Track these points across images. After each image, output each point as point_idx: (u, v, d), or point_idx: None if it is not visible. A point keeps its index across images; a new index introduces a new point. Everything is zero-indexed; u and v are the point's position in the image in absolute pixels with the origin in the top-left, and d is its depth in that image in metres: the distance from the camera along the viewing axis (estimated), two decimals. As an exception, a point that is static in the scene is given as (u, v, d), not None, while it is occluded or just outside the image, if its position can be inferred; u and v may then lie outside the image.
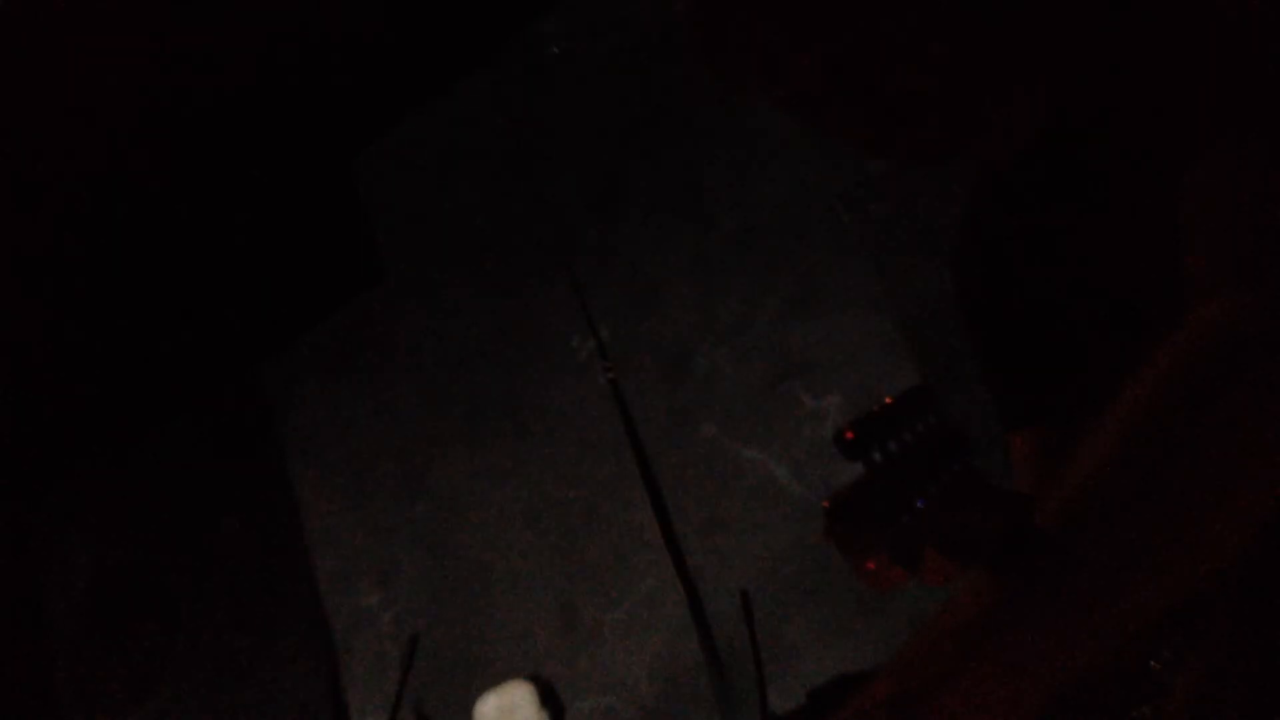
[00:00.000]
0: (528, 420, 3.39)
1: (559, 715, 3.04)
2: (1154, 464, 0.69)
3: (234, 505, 3.85)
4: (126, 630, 3.92)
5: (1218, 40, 0.81)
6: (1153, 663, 0.95)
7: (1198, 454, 0.69)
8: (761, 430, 3.00)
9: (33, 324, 3.88)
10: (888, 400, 0.68)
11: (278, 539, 3.71)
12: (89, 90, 3.17)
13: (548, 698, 3.02)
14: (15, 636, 4.02)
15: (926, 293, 2.79)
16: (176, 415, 3.99)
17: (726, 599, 2.81)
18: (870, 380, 2.86)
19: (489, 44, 3.65)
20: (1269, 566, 0.82)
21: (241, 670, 3.62)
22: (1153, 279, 0.85)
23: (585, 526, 3.19)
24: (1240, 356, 0.69)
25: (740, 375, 3.07)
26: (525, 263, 3.49)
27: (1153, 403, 0.70)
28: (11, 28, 2.83)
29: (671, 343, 3.19)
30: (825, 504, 0.66)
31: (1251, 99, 0.77)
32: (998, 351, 1.12)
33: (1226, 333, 0.71)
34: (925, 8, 0.87)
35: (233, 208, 3.78)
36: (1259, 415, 0.68)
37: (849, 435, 0.64)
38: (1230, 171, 0.76)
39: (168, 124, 3.42)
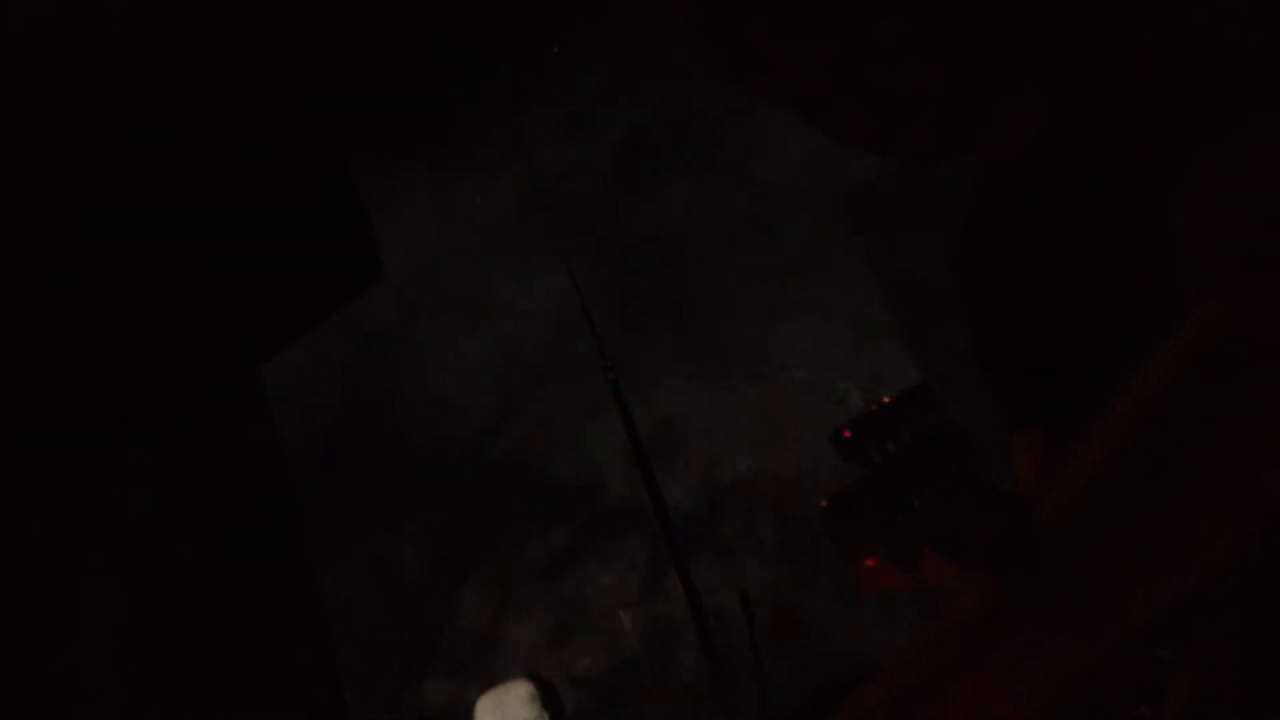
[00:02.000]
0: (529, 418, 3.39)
1: (559, 715, 3.03)
2: (1154, 464, 0.69)
3: (234, 505, 3.84)
4: (126, 630, 3.92)
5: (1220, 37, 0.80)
6: (1152, 663, 0.95)
7: (1199, 454, 0.69)
8: (762, 429, 2.99)
9: (34, 327, 3.87)
10: (886, 400, 0.67)
11: (279, 538, 3.71)
12: (87, 90, 3.16)
13: (547, 698, 3.02)
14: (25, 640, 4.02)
15: (926, 293, 2.78)
16: (175, 417, 3.99)
17: (726, 599, 2.81)
18: (873, 380, 2.86)
19: (489, 44, 3.65)
20: (1269, 566, 0.82)
21: (242, 670, 3.62)
22: (1154, 278, 0.85)
23: (586, 526, 3.19)
24: (1242, 355, 0.69)
25: (737, 374, 3.07)
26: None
27: (1153, 402, 0.70)
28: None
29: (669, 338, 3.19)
30: (823, 503, 0.66)
31: (1254, 95, 0.77)
32: (998, 351, 1.12)
33: (1229, 331, 0.70)
34: (925, 8, 0.87)
35: (233, 207, 3.77)
36: (1261, 414, 0.68)
37: (846, 434, 0.64)
38: (1233, 167, 0.76)
39: (165, 125, 3.41)
